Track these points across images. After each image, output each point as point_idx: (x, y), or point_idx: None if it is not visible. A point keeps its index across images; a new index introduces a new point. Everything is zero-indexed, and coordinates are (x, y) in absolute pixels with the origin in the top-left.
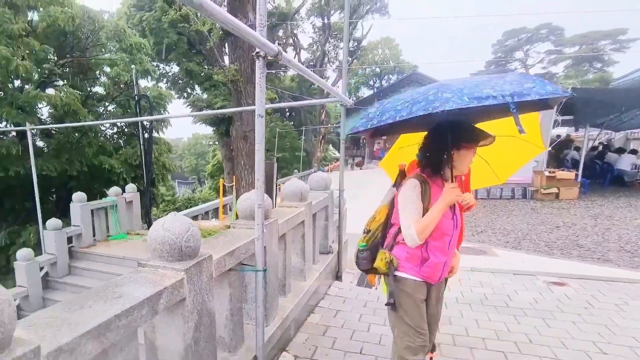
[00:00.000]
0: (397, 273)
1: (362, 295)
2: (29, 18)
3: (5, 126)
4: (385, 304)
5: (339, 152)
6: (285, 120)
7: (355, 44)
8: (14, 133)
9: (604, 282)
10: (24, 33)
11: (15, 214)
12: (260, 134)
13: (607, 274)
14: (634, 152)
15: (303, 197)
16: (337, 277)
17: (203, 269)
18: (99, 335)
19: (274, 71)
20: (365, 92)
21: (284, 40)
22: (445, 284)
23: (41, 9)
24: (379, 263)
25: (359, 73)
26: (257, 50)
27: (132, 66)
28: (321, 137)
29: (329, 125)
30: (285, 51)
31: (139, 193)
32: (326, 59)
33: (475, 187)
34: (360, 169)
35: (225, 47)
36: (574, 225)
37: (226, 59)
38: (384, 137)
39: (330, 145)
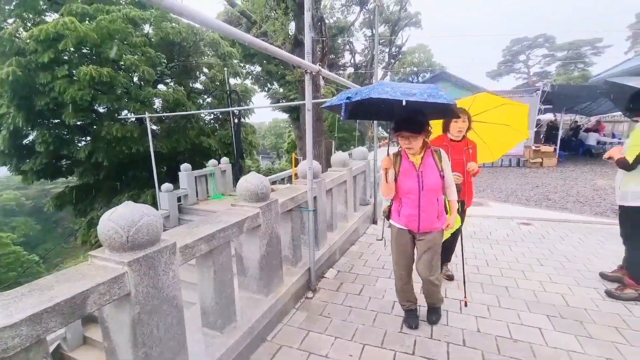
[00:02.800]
0: (390, 221)
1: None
2: (145, 31)
3: (129, 115)
4: (377, 239)
5: (386, 132)
6: None
7: (396, 49)
8: (135, 120)
9: (557, 222)
10: (142, 44)
11: (136, 181)
12: (309, 121)
13: (561, 217)
14: (597, 131)
15: (345, 164)
16: (374, 221)
17: (272, 208)
18: (208, 240)
19: (336, 71)
20: None
21: (342, 47)
22: (457, 236)
23: (154, 24)
24: (383, 212)
25: (401, 72)
26: (305, 68)
27: (225, 69)
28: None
29: None
30: (343, 55)
31: (230, 164)
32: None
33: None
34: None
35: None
36: (548, 185)
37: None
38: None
39: (380, 127)
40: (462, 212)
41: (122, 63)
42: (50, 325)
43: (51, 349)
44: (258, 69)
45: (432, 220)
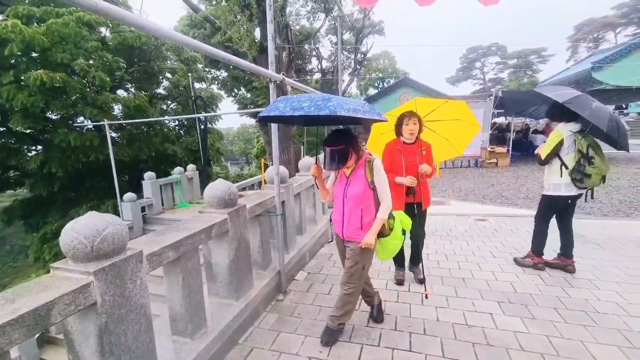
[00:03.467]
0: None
1: None
2: (102, 35)
3: (85, 122)
4: (328, 241)
5: None
6: None
7: (362, 56)
8: (93, 127)
9: (509, 217)
10: (97, 48)
11: (94, 191)
12: (274, 128)
13: (512, 213)
14: (543, 132)
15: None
16: None
17: (240, 213)
18: (175, 247)
19: (303, 77)
20: (371, 92)
21: (309, 53)
22: (421, 240)
23: (112, 28)
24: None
25: (367, 77)
26: (269, 78)
27: (189, 74)
28: None
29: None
30: (310, 60)
31: (197, 171)
32: (342, 67)
33: (442, 159)
34: None
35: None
36: (502, 184)
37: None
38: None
39: None
40: (419, 214)
41: (75, 68)
42: (13, 338)
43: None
44: (224, 74)
45: (355, 230)
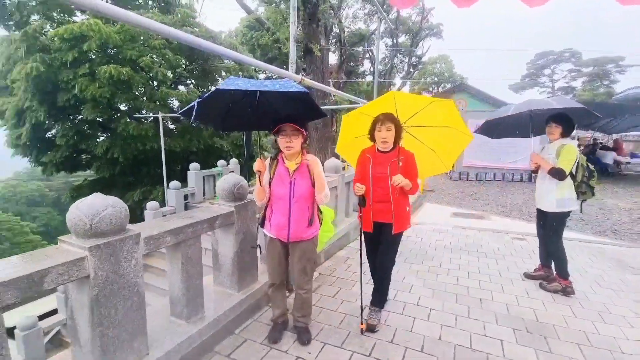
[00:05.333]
0: (262, 229)
1: None
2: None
3: (145, 114)
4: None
5: None
6: None
7: (417, 59)
8: (151, 119)
9: None
10: (162, 46)
11: (149, 177)
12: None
13: None
14: (615, 150)
15: (337, 170)
16: None
17: (248, 207)
18: (175, 233)
19: (355, 79)
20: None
21: (362, 55)
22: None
23: (175, 28)
24: (258, 219)
25: (421, 81)
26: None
27: (239, 73)
28: None
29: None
30: (363, 63)
31: (239, 165)
32: (396, 70)
33: (427, 175)
34: None
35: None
36: None
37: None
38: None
39: None
40: (386, 238)
41: (141, 64)
42: (5, 297)
43: (52, 334)
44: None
45: (302, 230)
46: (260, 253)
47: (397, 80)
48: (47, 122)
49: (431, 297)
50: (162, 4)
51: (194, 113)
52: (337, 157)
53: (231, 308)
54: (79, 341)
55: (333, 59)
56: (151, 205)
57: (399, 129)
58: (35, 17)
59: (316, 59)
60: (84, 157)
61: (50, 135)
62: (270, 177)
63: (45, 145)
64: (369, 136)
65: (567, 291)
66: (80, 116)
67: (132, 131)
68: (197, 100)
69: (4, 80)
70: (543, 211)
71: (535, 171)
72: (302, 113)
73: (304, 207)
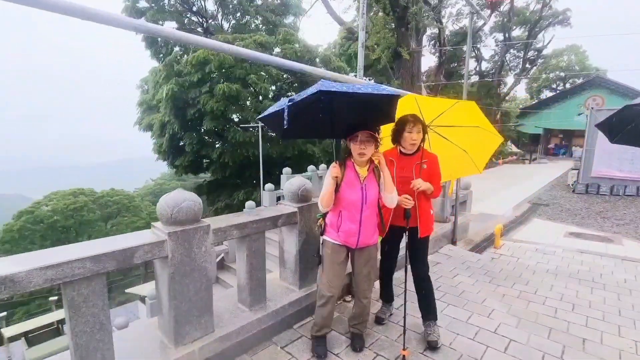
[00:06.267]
0: (323, 236)
1: (466, 257)
2: (274, 52)
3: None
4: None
5: (517, 148)
6: None
7: (536, 53)
8: (258, 127)
9: None
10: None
11: (251, 180)
12: None
13: None
14: None
15: None
16: (453, 241)
17: (312, 209)
18: (240, 228)
19: (457, 80)
20: (547, 95)
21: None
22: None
23: (279, 47)
24: (317, 227)
25: (542, 78)
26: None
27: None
28: None
29: (509, 124)
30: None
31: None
32: (507, 67)
33: (458, 176)
34: (530, 163)
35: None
36: None
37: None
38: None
39: (509, 141)
40: (415, 243)
41: (248, 81)
42: (106, 266)
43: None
44: (370, 80)
45: (370, 235)
46: (320, 264)
47: (509, 79)
48: (179, 132)
49: (514, 327)
50: (270, 27)
51: (286, 118)
52: None
53: (291, 303)
54: (161, 310)
55: (432, 60)
56: (248, 204)
57: (425, 132)
58: (176, 49)
59: (405, 63)
60: (205, 161)
61: (181, 144)
62: (338, 182)
63: (178, 151)
64: (390, 138)
65: None
66: (203, 127)
67: (240, 139)
68: (288, 103)
69: (153, 100)
70: None
71: None
72: (376, 119)
73: (374, 212)
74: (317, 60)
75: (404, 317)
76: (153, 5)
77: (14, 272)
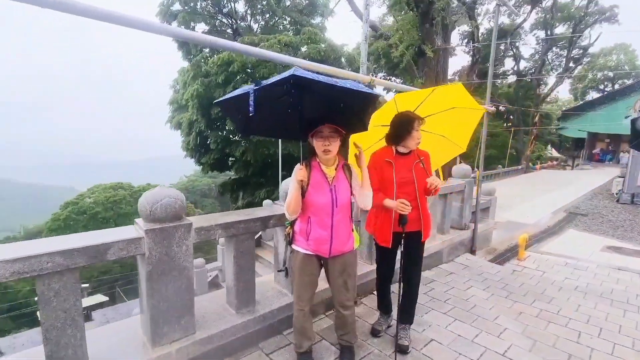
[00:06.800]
0: (292, 246)
1: (484, 268)
2: (301, 51)
3: None
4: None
5: (558, 152)
6: (500, 121)
7: (581, 51)
8: None
9: None
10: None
11: (273, 179)
12: None
13: None
14: None
15: None
16: (472, 250)
17: None
18: (225, 227)
19: (494, 81)
20: (593, 96)
21: (502, 53)
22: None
23: (305, 47)
24: (285, 235)
25: (588, 78)
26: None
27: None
28: (533, 137)
29: (547, 127)
30: (503, 62)
31: None
32: (548, 67)
33: (443, 162)
34: (572, 169)
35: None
36: None
37: None
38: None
39: (549, 145)
40: (415, 247)
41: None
42: (77, 261)
43: (213, 276)
44: (398, 80)
45: (344, 242)
46: (287, 276)
47: (551, 79)
48: (206, 130)
49: (527, 350)
50: (297, 27)
51: (251, 103)
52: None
53: (281, 308)
54: (142, 307)
55: (466, 59)
56: (265, 202)
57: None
58: (206, 50)
59: (430, 61)
60: (230, 159)
61: (208, 142)
62: (303, 187)
63: (204, 149)
64: (389, 137)
65: None
66: (227, 126)
67: (261, 137)
68: (254, 87)
69: (182, 100)
70: None
71: None
72: (344, 116)
73: (346, 216)
74: (343, 59)
75: (397, 332)
76: (186, 7)
77: None
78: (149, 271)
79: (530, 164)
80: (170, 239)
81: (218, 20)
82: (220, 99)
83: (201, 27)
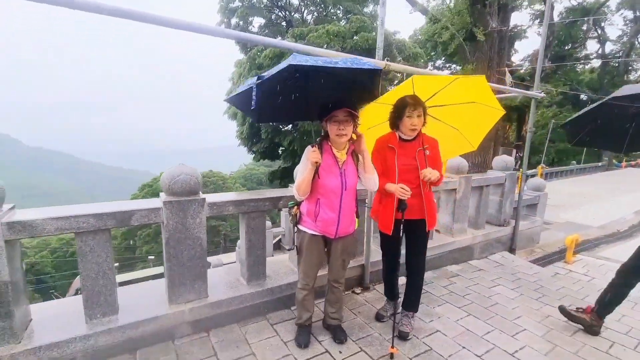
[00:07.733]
0: (299, 226)
1: (520, 268)
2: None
3: None
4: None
5: None
6: (578, 110)
7: None
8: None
9: None
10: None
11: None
12: None
13: None
14: None
15: (460, 170)
16: (511, 249)
17: None
18: (237, 205)
19: (569, 63)
20: None
21: (584, 34)
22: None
23: (357, 36)
24: (291, 217)
25: None
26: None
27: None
28: None
29: None
30: (585, 45)
31: None
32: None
33: (452, 156)
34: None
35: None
36: None
37: None
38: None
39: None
40: (419, 236)
41: None
42: (107, 223)
43: (277, 239)
44: (457, 67)
45: (349, 224)
46: (298, 254)
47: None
48: None
49: (542, 354)
50: (349, 16)
51: (254, 98)
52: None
53: (290, 284)
54: (164, 270)
55: (538, 42)
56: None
57: (425, 115)
58: None
59: (482, 45)
60: (280, 149)
61: (260, 132)
62: (316, 166)
63: (256, 138)
64: (388, 123)
65: None
66: None
67: (308, 127)
68: (256, 81)
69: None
70: None
71: None
72: (355, 95)
73: (353, 199)
74: (394, 47)
75: (394, 315)
76: (245, 3)
77: (33, 219)
78: (167, 238)
79: (615, 160)
80: (186, 211)
81: (274, 14)
82: (229, 96)
83: (259, 21)
